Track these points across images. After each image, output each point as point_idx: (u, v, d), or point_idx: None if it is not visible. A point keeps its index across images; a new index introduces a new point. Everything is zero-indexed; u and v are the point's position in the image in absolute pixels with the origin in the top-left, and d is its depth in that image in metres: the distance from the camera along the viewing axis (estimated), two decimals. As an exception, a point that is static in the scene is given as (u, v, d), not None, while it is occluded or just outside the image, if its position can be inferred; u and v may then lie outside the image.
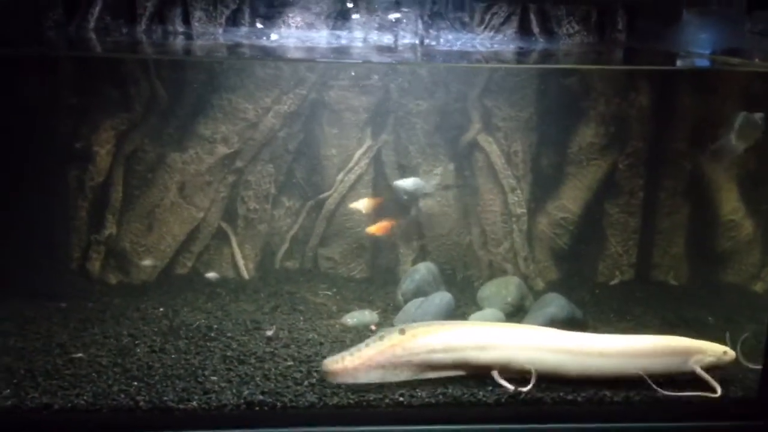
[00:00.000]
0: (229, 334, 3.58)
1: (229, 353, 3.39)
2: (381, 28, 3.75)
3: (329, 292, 4.21)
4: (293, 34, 3.81)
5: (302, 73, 4.11)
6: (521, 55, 3.99)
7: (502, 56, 4.00)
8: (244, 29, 3.81)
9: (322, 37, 3.82)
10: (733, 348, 3.20)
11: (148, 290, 4.13)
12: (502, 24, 3.91)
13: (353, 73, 4.13)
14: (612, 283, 4.42)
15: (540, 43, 3.92)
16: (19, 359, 3.28)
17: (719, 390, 3.09)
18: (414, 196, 4.21)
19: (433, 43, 3.81)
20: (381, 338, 3.14)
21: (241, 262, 4.33)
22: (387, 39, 3.75)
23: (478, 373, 3.15)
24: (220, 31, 3.79)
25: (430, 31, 3.80)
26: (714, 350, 3.16)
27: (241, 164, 4.23)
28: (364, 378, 3.11)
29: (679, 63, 4.05)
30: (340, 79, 4.15)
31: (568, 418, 3.06)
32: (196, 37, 3.79)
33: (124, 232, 4.18)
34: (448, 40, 3.84)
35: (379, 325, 3.78)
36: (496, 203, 4.30)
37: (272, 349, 3.44)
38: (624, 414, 3.08)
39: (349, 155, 4.29)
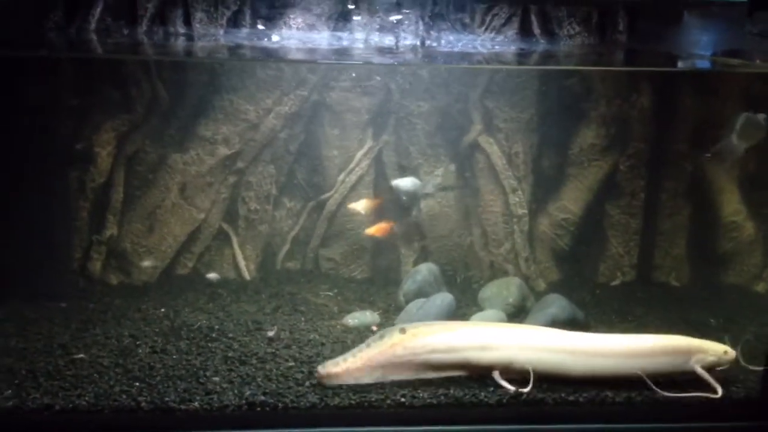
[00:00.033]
0: (230, 335, 3.59)
1: (230, 354, 3.39)
2: (382, 29, 3.75)
3: (330, 293, 4.21)
4: (294, 36, 3.81)
5: (303, 74, 4.12)
6: (522, 57, 3.99)
7: (503, 57, 4.00)
8: (245, 30, 3.81)
9: (323, 38, 3.82)
10: (734, 349, 3.20)
11: (150, 291, 4.13)
12: (503, 25, 3.91)
13: (354, 74, 4.14)
14: (613, 284, 4.43)
15: (541, 45, 3.92)
16: (20, 360, 3.28)
17: (720, 390, 3.09)
18: (412, 196, 4.21)
19: (435, 44, 3.81)
20: (381, 337, 3.15)
21: (242, 263, 4.34)
22: (388, 40, 3.75)
23: (479, 374, 3.15)
24: (221, 32, 3.79)
25: (431, 32, 3.80)
26: (715, 350, 3.16)
27: (242, 165, 4.23)
28: (367, 378, 3.11)
29: (680, 64, 4.05)
30: (341, 81, 4.16)
31: (569, 418, 3.06)
32: (197, 39, 3.79)
33: (125, 233, 4.18)
34: (449, 41, 3.84)
35: (381, 326, 3.77)
36: (497, 204, 4.30)
37: (274, 350, 3.44)
38: (626, 415, 3.08)
39: (350, 156, 4.29)
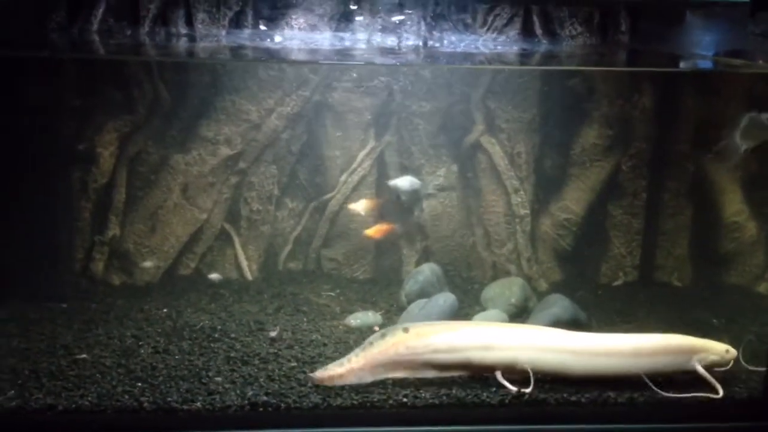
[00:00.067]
0: (232, 335, 3.59)
1: (232, 354, 3.39)
2: (384, 29, 3.75)
3: (332, 293, 4.21)
4: (296, 36, 3.82)
5: (305, 74, 4.12)
6: (524, 57, 3.99)
7: (505, 58, 4.00)
8: (247, 31, 3.81)
9: (325, 38, 3.82)
10: (736, 350, 3.20)
11: (152, 291, 4.13)
12: (505, 26, 3.91)
13: (355, 75, 4.14)
14: (615, 284, 4.43)
15: (543, 45, 3.93)
16: (23, 360, 3.28)
17: (721, 390, 3.09)
18: (411, 195, 4.22)
19: (437, 44, 3.82)
20: (383, 336, 3.15)
21: (244, 264, 4.34)
22: (390, 41, 3.75)
23: (481, 374, 3.15)
24: (223, 32, 3.80)
25: (434, 32, 3.80)
26: (717, 349, 3.16)
27: (244, 165, 4.23)
28: (368, 377, 3.11)
29: (682, 65, 4.05)
30: (343, 81, 4.16)
31: (571, 419, 3.06)
32: (199, 39, 3.79)
33: (127, 234, 4.19)
34: (452, 41, 3.84)
35: (383, 327, 3.77)
36: (499, 204, 4.30)
37: (276, 350, 3.44)
38: (628, 415, 3.08)
39: (352, 156, 4.29)
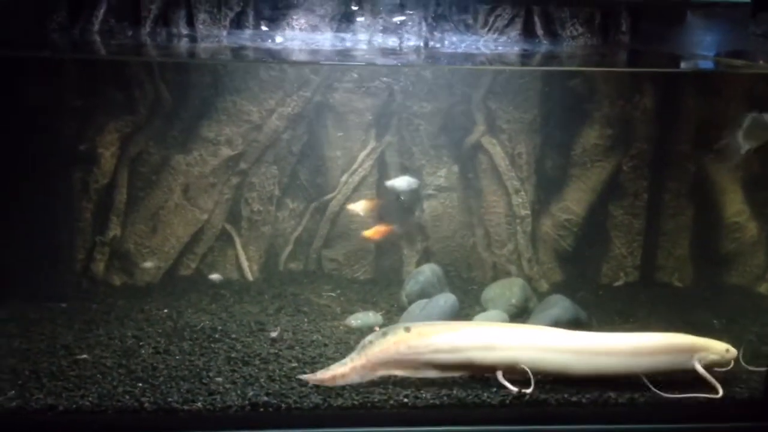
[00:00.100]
0: (233, 336, 3.59)
1: (233, 354, 3.39)
2: (385, 30, 3.75)
3: (333, 294, 4.22)
4: (297, 37, 3.82)
5: (306, 75, 4.12)
6: (525, 57, 3.99)
7: (506, 58, 4.00)
8: (248, 32, 3.81)
9: (326, 39, 3.83)
10: (737, 350, 3.20)
11: (152, 292, 4.14)
12: (506, 26, 3.91)
13: (356, 75, 4.14)
14: (616, 284, 4.43)
15: (544, 45, 3.93)
16: (23, 360, 3.29)
17: (720, 390, 3.09)
18: (409, 195, 4.22)
19: (438, 45, 3.82)
20: (384, 335, 3.15)
21: (245, 264, 4.34)
22: (391, 41, 3.75)
23: (483, 374, 3.15)
24: (225, 33, 3.80)
25: (435, 33, 3.80)
26: (717, 348, 3.15)
27: (245, 166, 4.24)
28: (369, 376, 3.11)
29: (683, 65, 4.05)
30: (344, 82, 4.16)
31: (572, 419, 3.06)
32: (201, 40, 3.79)
33: (128, 234, 4.19)
34: (453, 42, 3.84)
35: (383, 327, 3.77)
36: (500, 205, 4.30)
37: (276, 351, 3.44)
38: (628, 415, 3.08)
39: (353, 157, 4.29)
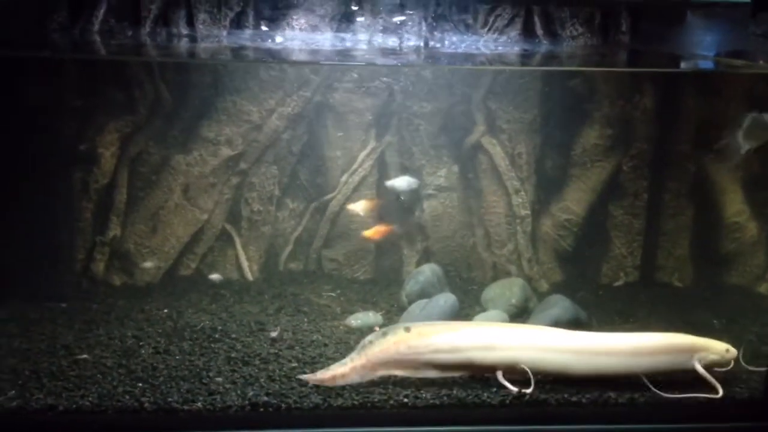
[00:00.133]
0: (233, 336, 3.59)
1: (233, 354, 3.39)
2: (385, 30, 3.75)
3: (333, 294, 4.22)
4: (297, 37, 3.82)
5: (306, 75, 4.12)
6: (525, 57, 3.99)
7: (506, 58, 4.00)
8: (248, 31, 3.81)
9: (326, 39, 3.83)
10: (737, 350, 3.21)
11: (153, 292, 4.14)
12: (506, 26, 3.91)
13: (356, 75, 4.14)
14: (616, 284, 4.43)
15: (544, 45, 3.93)
16: (24, 360, 3.29)
17: (720, 390, 3.08)
18: (408, 195, 4.22)
19: (438, 45, 3.82)
20: (384, 335, 3.15)
21: (245, 264, 4.34)
22: (391, 41, 3.75)
23: (483, 374, 3.15)
24: (225, 33, 3.80)
25: (435, 33, 3.80)
26: (717, 348, 3.15)
27: (245, 166, 4.24)
28: (369, 375, 3.11)
29: (683, 65, 4.05)
30: (344, 82, 4.16)
31: (572, 419, 3.06)
32: (201, 40, 3.79)
33: (128, 234, 4.19)
34: (453, 42, 3.84)
35: (383, 327, 3.77)
36: (500, 205, 4.30)
37: (276, 351, 3.44)
38: (628, 415, 3.08)
39: (353, 157, 4.30)
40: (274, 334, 3.62)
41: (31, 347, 3.42)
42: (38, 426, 2.94)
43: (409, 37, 3.76)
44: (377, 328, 3.74)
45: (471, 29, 3.88)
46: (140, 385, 3.10)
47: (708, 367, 3.12)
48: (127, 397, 3.01)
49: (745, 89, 4.17)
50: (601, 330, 3.67)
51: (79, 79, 4.00)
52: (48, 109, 3.85)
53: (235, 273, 4.36)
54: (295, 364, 3.31)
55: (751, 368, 3.21)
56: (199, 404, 2.97)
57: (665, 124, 4.26)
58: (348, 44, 3.81)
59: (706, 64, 3.97)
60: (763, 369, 3.20)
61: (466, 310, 3.97)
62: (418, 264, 4.33)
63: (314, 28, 3.82)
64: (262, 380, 3.16)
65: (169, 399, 2.99)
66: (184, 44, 3.81)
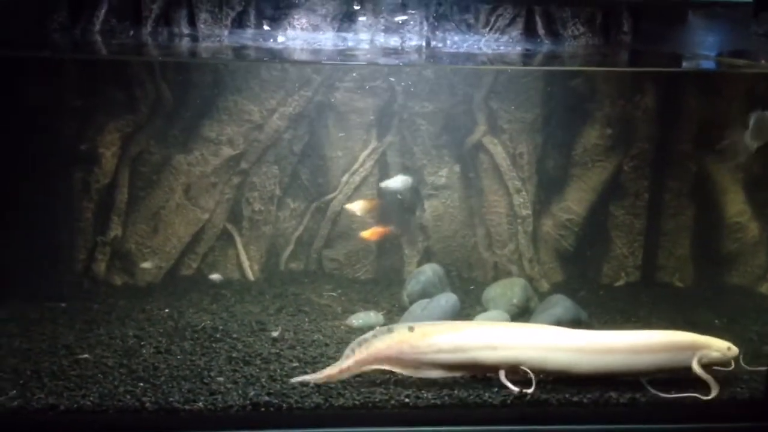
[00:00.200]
0: (234, 335, 3.59)
1: (234, 354, 3.39)
2: (387, 30, 3.75)
3: (334, 294, 4.21)
4: (299, 36, 3.82)
5: (308, 75, 4.12)
6: (526, 57, 3.99)
7: (508, 58, 4.00)
8: (249, 31, 3.81)
9: (327, 39, 3.82)
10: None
11: (154, 291, 4.14)
12: (508, 26, 3.91)
13: (355, 75, 4.14)
14: (617, 284, 4.42)
15: (545, 45, 3.93)
16: (25, 360, 3.29)
17: (714, 390, 3.07)
18: (405, 194, 4.22)
19: (439, 44, 3.82)
20: (390, 331, 3.15)
21: (246, 264, 4.34)
22: (393, 41, 3.75)
23: (486, 374, 3.15)
24: (226, 33, 3.80)
25: (436, 33, 3.80)
26: (719, 346, 3.15)
27: (246, 166, 4.24)
28: (367, 369, 3.12)
29: (684, 65, 4.05)
30: (345, 81, 4.16)
31: (573, 419, 3.06)
32: (202, 39, 3.79)
33: (129, 234, 4.19)
34: (454, 41, 3.84)
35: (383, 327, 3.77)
36: (501, 205, 4.30)
37: (278, 350, 3.44)
38: (629, 415, 3.08)
39: (354, 157, 4.30)
40: (275, 334, 3.62)
41: (32, 347, 3.42)
42: (39, 426, 2.94)
43: (411, 36, 3.76)
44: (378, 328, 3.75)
45: (472, 29, 3.88)
46: (141, 384, 3.10)
47: (710, 365, 3.11)
48: (129, 396, 3.00)
49: (746, 89, 4.17)
50: (603, 330, 3.68)
51: (80, 78, 4.00)
52: (49, 109, 3.85)
53: (236, 273, 4.36)
54: (296, 364, 3.31)
55: (751, 368, 3.20)
56: (201, 404, 2.97)
57: (666, 124, 4.27)
58: (350, 44, 3.81)
59: (708, 64, 3.97)
60: (763, 369, 3.20)
61: (467, 310, 3.97)
62: (420, 264, 4.33)
63: (316, 28, 3.82)
64: (263, 380, 3.15)
65: (171, 399, 2.99)
66: (185, 44, 3.81)
